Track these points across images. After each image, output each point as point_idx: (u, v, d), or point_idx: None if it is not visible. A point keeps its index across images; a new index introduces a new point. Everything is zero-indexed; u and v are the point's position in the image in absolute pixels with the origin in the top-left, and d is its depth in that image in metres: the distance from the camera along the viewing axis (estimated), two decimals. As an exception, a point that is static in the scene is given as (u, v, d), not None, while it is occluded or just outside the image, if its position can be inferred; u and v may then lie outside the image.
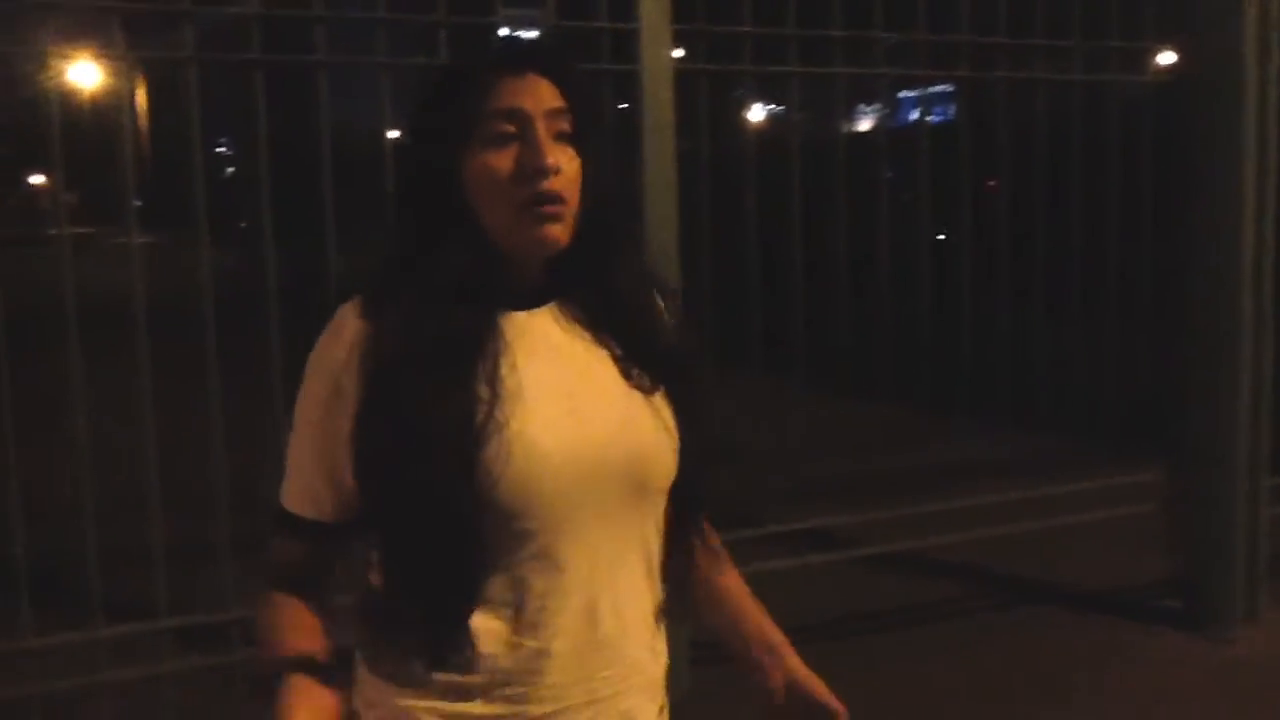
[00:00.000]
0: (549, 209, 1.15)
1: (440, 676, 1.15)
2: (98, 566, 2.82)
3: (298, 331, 1.18)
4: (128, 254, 2.84)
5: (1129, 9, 4.06)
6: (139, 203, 3.91)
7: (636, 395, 1.21)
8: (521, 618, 1.14)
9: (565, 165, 1.16)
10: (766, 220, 3.60)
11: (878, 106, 4.21)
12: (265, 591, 1.24)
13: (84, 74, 23.63)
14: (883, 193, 3.93)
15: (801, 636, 1.41)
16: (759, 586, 1.41)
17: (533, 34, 3.46)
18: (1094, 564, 4.35)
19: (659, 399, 1.22)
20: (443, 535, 1.11)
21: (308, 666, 1.16)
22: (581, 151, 1.19)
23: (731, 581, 1.39)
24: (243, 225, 21.18)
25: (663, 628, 1.27)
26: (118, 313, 2.90)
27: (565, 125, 1.18)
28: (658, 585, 1.25)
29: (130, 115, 3.00)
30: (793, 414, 3.57)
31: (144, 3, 2.96)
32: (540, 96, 1.16)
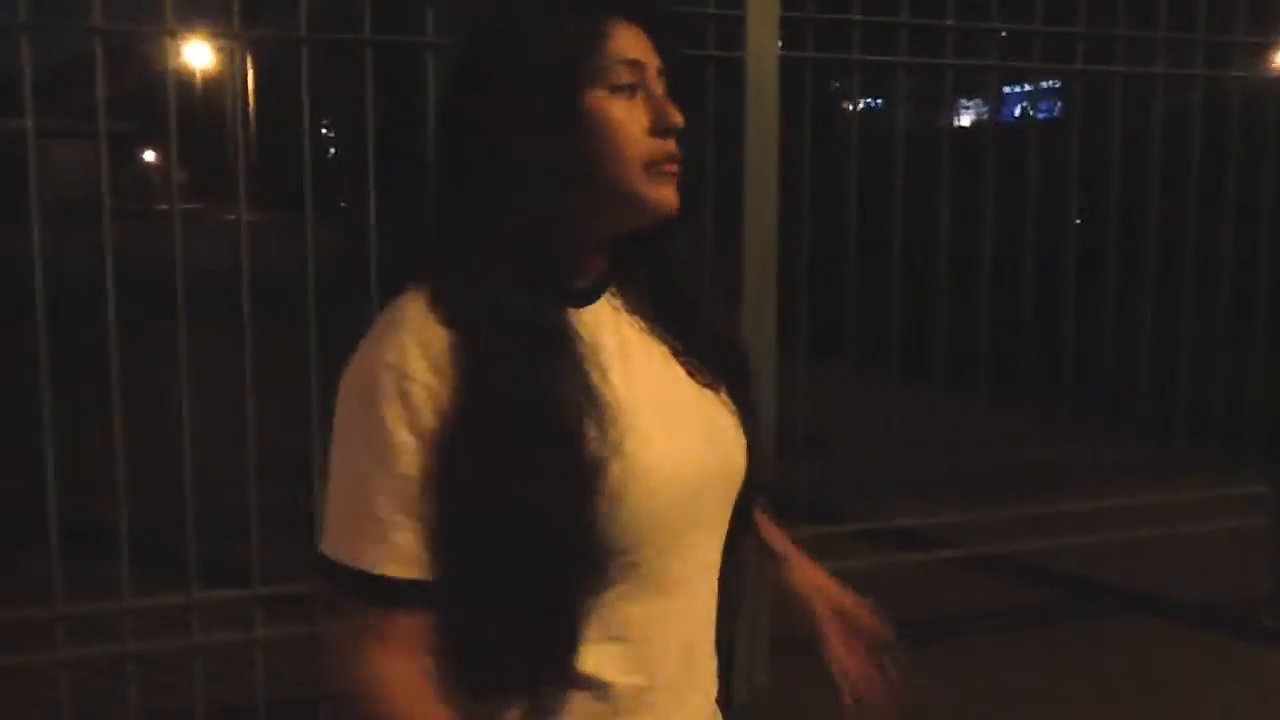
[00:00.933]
0: (674, 168, 1.06)
1: None
2: (195, 533, 2.90)
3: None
4: (234, 230, 2.90)
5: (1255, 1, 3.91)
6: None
7: (709, 395, 1.11)
8: (625, 654, 1.03)
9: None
10: (868, 213, 3.55)
11: (978, 101, 4.10)
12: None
13: (197, 55, 24.31)
14: (987, 189, 3.84)
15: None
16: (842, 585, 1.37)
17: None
18: (1196, 577, 4.21)
19: (725, 397, 1.13)
20: (546, 567, 0.98)
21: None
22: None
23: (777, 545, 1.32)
24: (342, 205, 21.62)
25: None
26: (224, 287, 2.96)
27: (666, 87, 1.08)
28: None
29: (241, 95, 3.06)
30: (888, 410, 3.51)
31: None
32: (649, 50, 1.06)
